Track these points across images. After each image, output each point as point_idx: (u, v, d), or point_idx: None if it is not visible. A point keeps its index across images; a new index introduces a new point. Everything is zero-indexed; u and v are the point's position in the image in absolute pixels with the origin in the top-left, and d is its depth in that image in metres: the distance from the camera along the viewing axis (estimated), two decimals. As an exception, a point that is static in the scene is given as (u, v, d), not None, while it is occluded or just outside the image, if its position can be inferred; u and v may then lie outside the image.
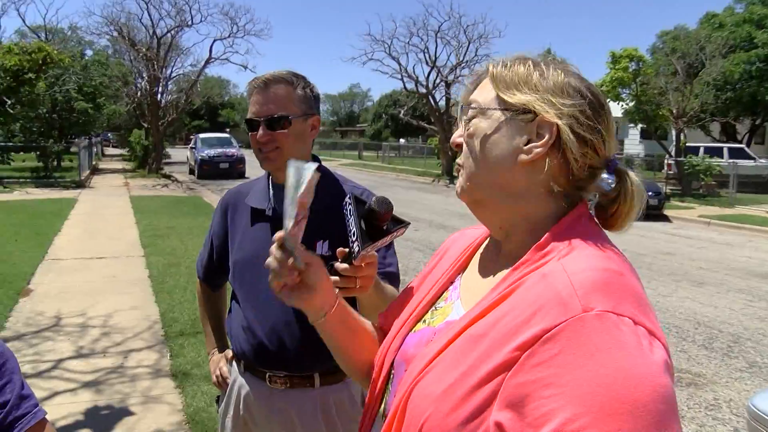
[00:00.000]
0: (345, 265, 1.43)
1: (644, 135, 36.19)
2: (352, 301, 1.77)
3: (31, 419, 1.35)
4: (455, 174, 1.15)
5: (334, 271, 1.45)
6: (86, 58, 41.04)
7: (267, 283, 1.46)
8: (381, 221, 1.43)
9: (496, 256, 1.14)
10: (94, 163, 33.00)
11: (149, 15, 30.34)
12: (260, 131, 2.01)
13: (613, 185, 1.08)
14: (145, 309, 6.88)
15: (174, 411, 4.42)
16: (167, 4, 33.01)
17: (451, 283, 1.23)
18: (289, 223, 1.19)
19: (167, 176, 27.74)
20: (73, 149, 34.99)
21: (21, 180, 23.29)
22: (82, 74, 34.41)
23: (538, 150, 1.02)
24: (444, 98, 30.79)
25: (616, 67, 26.65)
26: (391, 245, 2.04)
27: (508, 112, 1.05)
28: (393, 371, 1.18)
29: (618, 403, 0.79)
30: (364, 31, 47.41)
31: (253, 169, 28.62)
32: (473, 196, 1.11)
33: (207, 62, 31.61)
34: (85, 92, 34.62)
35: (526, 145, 1.04)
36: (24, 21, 34.88)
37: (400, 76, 31.34)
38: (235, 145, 30.19)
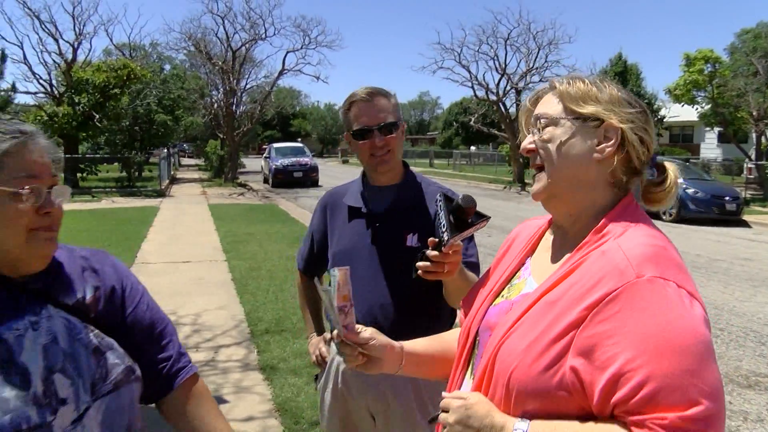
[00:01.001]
0: (435, 252, 1.72)
1: (722, 138, 35.17)
2: (439, 287, 2.04)
3: (188, 371, 1.62)
4: (528, 181, 1.40)
5: (426, 258, 1.75)
6: (165, 72, 42.68)
7: (362, 270, 1.75)
8: (466, 215, 1.72)
9: (562, 240, 1.39)
10: (172, 173, 34.19)
11: (225, 29, 31.34)
12: (376, 137, 2.29)
13: (655, 174, 1.37)
14: (231, 309, 7.26)
15: (264, 400, 4.73)
16: (242, 18, 33.90)
17: (522, 264, 1.48)
18: (340, 328, 1.55)
19: (243, 185, 28.55)
20: (153, 160, 36.36)
21: (107, 189, 24.42)
22: (161, 88, 35.84)
23: (609, 149, 1.29)
24: (514, 105, 30.67)
25: (691, 69, 26.07)
26: (472, 239, 2.31)
27: (579, 121, 1.31)
28: (478, 339, 1.43)
29: (667, 346, 1.07)
30: (434, 40, 47.54)
31: (326, 177, 29.16)
32: (552, 191, 1.35)
33: (280, 74, 32.38)
34: (165, 105, 36.02)
35: (598, 145, 1.30)
36: (111, 40, 36.34)
37: (470, 84, 31.38)
38: (308, 154, 30.71)
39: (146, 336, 1.55)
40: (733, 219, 16.66)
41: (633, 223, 1.26)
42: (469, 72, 31.21)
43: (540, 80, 32.61)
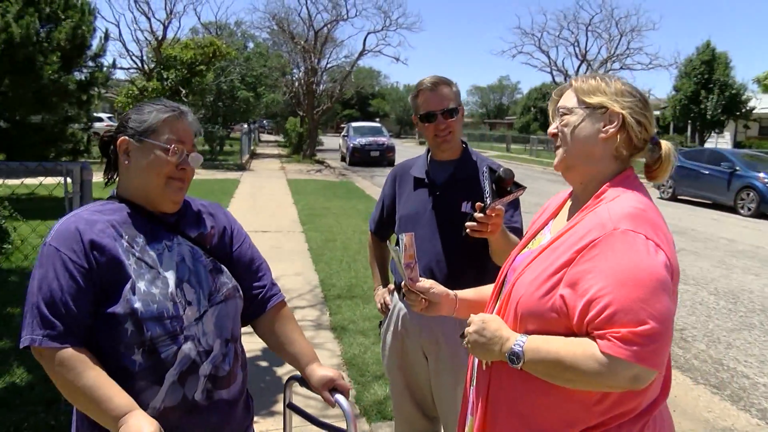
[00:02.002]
0: (481, 214, 2.20)
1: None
2: (485, 247, 2.40)
3: (278, 298, 2.06)
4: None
5: (473, 219, 2.23)
6: (248, 50, 43.68)
7: (423, 231, 2.21)
8: (506, 184, 2.20)
9: (575, 205, 1.77)
10: (252, 148, 35.19)
11: (307, 9, 32.05)
12: (440, 121, 2.70)
13: (655, 151, 1.73)
14: (306, 275, 7.75)
15: (333, 356, 5.17)
16: (324, -1, 34.47)
17: (546, 225, 1.89)
18: (407, 280, 2.02)
19: (320, 162, 29.23)
20: (234, 135, 37.49)
21: (191, 162, 25.39)
22: (244, 65, 36.72)
23: (612, 130, 1.66)
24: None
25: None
26: (518, 209, 2.75)
27: (589, 109, 1.69)
28: (506, 278, 1.83)
29: (627, 280, 1.43)
30: (514, 24, 47.30)
31: (402, 158, 29.34)
32: (567, 163, 1.73)
33: (360, 54, 32.89)
34: (247, 82, 36.91)
35: (603, 128, 1.67)
36: (199, 19, 37.75)
37: (549, 70, 31.23)
38: (385, 134, 30.96)
39: (246, 268, 2.00)
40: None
41: (626, 191, 1.62)
42: (549, 57, 31.18)
43: (621, 68, 32.04)
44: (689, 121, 34.66)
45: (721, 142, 36.83)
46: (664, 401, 1.65)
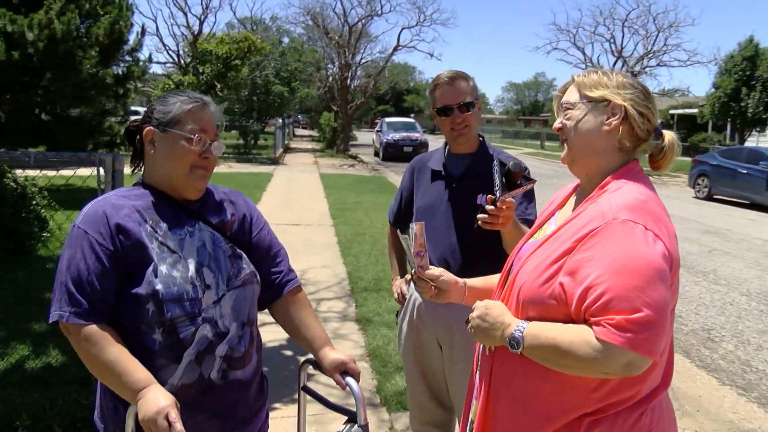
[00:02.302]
0: (492, 207, 2.27)
1: None
2: (498, 239, 2.45)
3: (294, 283, 2.13)
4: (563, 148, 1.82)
5: (484, 211, 2.30)
6: (283, 45, 44.04)
7: (439, 222, 2.27)
8: (515, 178, 2.27)
9: (580, 197, 1.81)
10: (286, 142, 35.45)
11: (342, 5, 32.22)
12: (455, 114, 2.76)
13: (660, 142, 1.75)
14: (334, 268, 7.84)
15: (357, 346, 5.25)
16: (359, -6, 34.56)
17: (552, 216, 1.92)
18: (416, 268, 2.07)
19: (353, 157, 29.35)
20: (268, 129, 37.80)
21: (224, 155, 25.70)
22: (279, 60, 37.08)
23: (615, 123, 1.69)
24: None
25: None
26: (532, 201, 2.79)
27: (591, 103, 1.72)
28: (512, 267, 1.88)
29: (624, 269, 1.46)
30: (549, 20, 46.89)
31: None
32: (572, 156, 1.77)
33: (395, 50, 32.97)
34: (282, 77, 37.25)
35: (606, 120, 1.70)
36: (234, 14, 38.17)
37: (584, 66, 30.85)
38: (419, 130, 30.94)
39: (265, 254, 2.08)
40: None
41: (628, 182, 1.65)
42: (584, 54, 30.80)
43: (657, 64, 31.54)
44: (729, 120, 34.00)
45: (762, 140, 36.02)
46: (665, 391, 1.69)
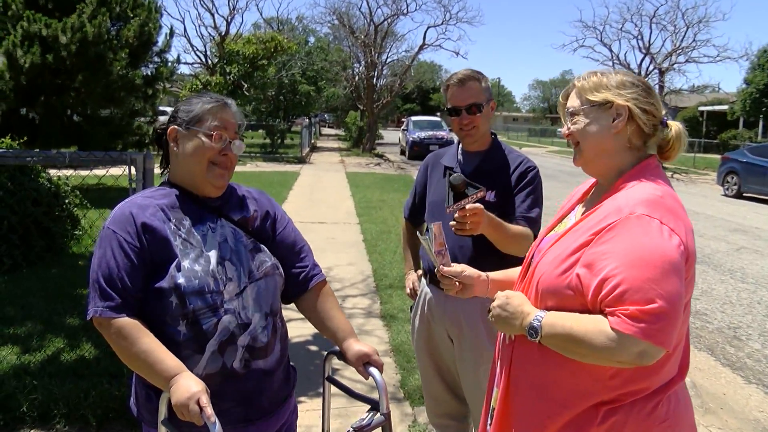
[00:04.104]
0: (456, 215, 2.41)
1: None
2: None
3: (320, 278, 2.21)
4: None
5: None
6: (309, 45, 44.25)
7: (448, 217, 2.39)
8: (460, 189, 2.39)
9: (598, 193, 1.87)
10: (312, 141, 35.62)
11: (368, 4, 32.43)
12: (463, 116, 2.83)
13: (667, 132, 1.80)
14: (359, 266, 7.92)
15: (382, 342, 5.32)
16: (385, -7, 34.63)
17: (573, 209, 1.96)
18: (439, 266, 2.16)
19: (380, 156, 29.41)
20: (295, 128, 38.00)
21: (252, 154, 25.98)
22: (305, 60, 37.25)
23: (621, 123, 1.74)
24: (657, 86, 29.61)
25: None
26: (536, 199, 2.84)
27: (595, 107, 1.77)
28: (532, 259, 1.93)
29: (640, 261, 1.52)
30: (576, 17, 46.58)
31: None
32: (585, 160, 1.83)
33: (421, 48, 32.94)
34: (308, 76, 37.43)
35: (612, 122, 1.75)
36: (261, 14, 38.47)
37: (611, 63, 30.59)
38: (445, 128, 30.69)
39: (290, 250, 2.16)
40: None
41: (644, 180, 1.70)
42: (611, 51, 30.55)
43: (686, 61, 31.17)
44: (761, 116, 33.48)
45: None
46: (681, 381, 1.72)
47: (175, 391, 1.70)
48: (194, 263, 1.86)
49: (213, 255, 1.91)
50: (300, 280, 2.16)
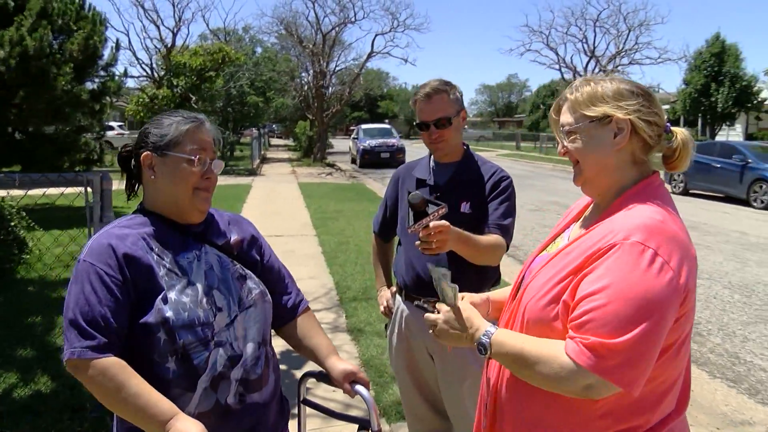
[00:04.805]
0: (421, 234, 2.33)
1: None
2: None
3: (305, 304, 2.14)
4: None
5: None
6: (257, 55, 43.90)
7: (416, 236, 2.30)
8: (419, 207, 2.32)
9: (595, 212, 1.73)
10: (262, 152, 35.32)
11: (315, 13, 32.18)
12: (432, 130, 2.78)
13: (671, 139, 1.65)
14: (321, 279, 7.79)
15: (351, 357, 5.22)
16: (331, 1, 34.76)
17: (567, 228, 1.84)
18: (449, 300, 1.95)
19: (331, 165, 29.29)
20: (244, 140, 37.64)
21: (202, 168, 25.48)
22: (253, 70, 36.92)
23: (624, 141, 1.59)
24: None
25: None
26: (510, 209, 2.78)
27: (593, 123, 1.61)
28: (523, 279, 1.82)
29: (619, 294, 1.40)
30: (522, 22, 47.32)
31: (411, 158, 29.47)
32: (584, 178, 1.67)
33: (369, 56, 33.00)
34: (256, 87, 37.11)
35: (614, 138, 1.59)
36: (207, 25, 38.03)
37: (558, 67, 31.21)
38: (395, 136, 30.89)
39: (276, 278, 2.08)
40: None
41: (645, 201, 1.55)
42: (557, 54, 31.20)
43: (629, 62, 31.98)
44: (700, 115, 34.51)
45: (732, 134, 36.65)
46: (678, 418, 1.63)
47: None
48: (181, 294, 1.74)
49: (200, 284, 1.80)
50: (289, 309, 2.09)
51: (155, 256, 1.77)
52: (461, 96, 2.87)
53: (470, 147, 2.98)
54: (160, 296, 1.71)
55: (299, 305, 2.11)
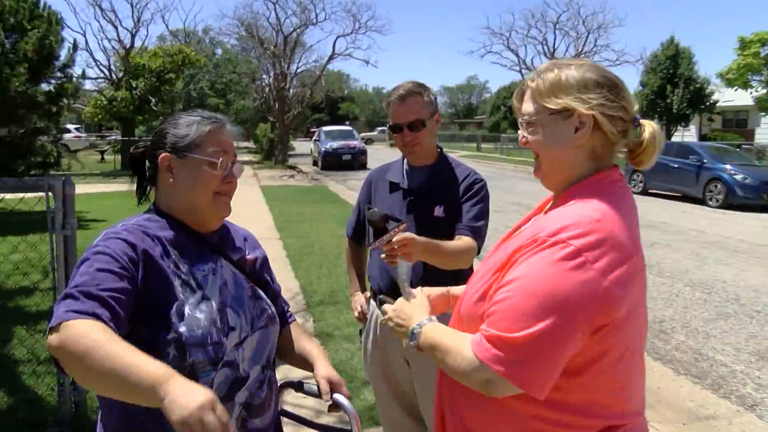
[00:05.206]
0: (384, 248, 2.26)
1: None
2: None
3: (293, 317, 2.07)
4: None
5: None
6: (217, 57, 43.50)
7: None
8: (379, 225, 2.25)
9: (554, 206, 1.62)
10: (224, 155, 34.86)
11: (276, 14, 31.98)
12: (405, 133, 2.74)
13: (639, 132, 1.55)
14: (286, 283, 7.65)
15: (321, 362, 5.13)
16: (293, 3, 34.55)
17: (528, 221, 1.74)
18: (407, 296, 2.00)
19: (293, 167, 29.11)
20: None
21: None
22: (214, 72, 36.61)
23: (584, 137, 1.49)
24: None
25: (745, 52, 25.56)
26: (483, 211, 2.78)
27: (553, 116, 1.51)
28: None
29: (527, 290, 1.35)
30: (483, 24, 47.75)
31: (373, 160, 29.49)
32: (543, 172, 1.60)
33: (330, 58, 32.94)
34: (217, 89, 36.80)
35: (575, 132, 1.49)
36: (167, 26, 37.54)
37: (518, 68, 31.49)
38: (357, 138, 30.91)
39: (277, 296, 1.99)
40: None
41: (587, 197, 1.46)
42: (518, 56, 31.48)
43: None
44: (656, 116, 35.14)
45: (687, 135, 37.42)
46: (632, 422, 1.52)
47: (176, 400, 1.20)
48: (195, 309, 1.61)
49: (214, 301, 1.66)
50: (281, 318, 1.99)
51: (171, 264, 1.63)
52: (435, 98, 2.84)
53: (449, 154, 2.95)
54: (174, 308, 1.57)
55: (288, 317, 2.05)
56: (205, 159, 1.69)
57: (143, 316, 1.53)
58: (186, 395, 1.21)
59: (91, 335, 1.30)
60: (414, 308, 1.71)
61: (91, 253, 1.54)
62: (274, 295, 1.97)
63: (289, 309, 2.09)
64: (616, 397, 1.47)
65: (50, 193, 3.25)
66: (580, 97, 1.46)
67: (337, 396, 1.80)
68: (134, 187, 1.85)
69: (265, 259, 1.98)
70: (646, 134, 1.53)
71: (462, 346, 1.42)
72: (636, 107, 1.55)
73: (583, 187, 1.49)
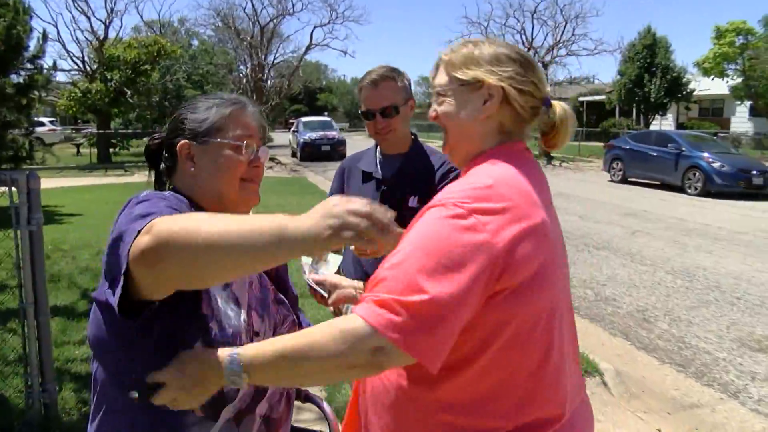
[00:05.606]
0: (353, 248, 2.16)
1: (753, 112, 34.53)
2: None
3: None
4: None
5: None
6: (193, 48, 43.08)
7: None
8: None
9: None
10: (202, 147, 34.65)
11: (252, 5, 31.77)
12: (378, 120, 2.62)
13: (549, 115, 1.53)
14: (265, 275, 7.56)
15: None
16: (269, -7, 34.15)
17: None
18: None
19: (271, 158, 28.86)
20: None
21: (139, 164, 24.90)
22: (190, 64, 36.24)
23: (492, 107, 1.47)
24: (541, 78, 30.77)
25: (721, 42, 25.75)
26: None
27: (463, 87, 1.49)
28: None
29: (421, 249, 1.25)
30: (461, 13, 47.70)
31: (353, 150, 29.36)
32: (450, 146, 1.56)
33: (308, 49, 32.76)
34: (193, 80, 36.41)
35: (483, 104, 1.47)
36: (141, 17, 37.11)
37: (497, 57, 31.52)
38: (335, 128, 30.70)
39: (296, 302, 1.83)
40: (760, 193, 16.36)
41: (487, 164, 1.44)
42: (496, 45, 31.29)
43: (567, 54, 32.58)
44: (634, 105, 35.39)
45: (664, 123, 37.75)
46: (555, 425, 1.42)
47: (320, 211, 1.12)
48: (227, 306, 1.47)
49: (243, 300, 1.52)
50: None
51: None
52: (410, 84, 2.73)
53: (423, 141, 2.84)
54: (204, 300, 1.42)
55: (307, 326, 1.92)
56: (229, 143, 1.56)
57: (172, 299, 1.31)
58: (315, 211, 1.13)
59: (192, 215, 1.26)
60: (202, 353, 1.33)
61: (149, 201, 1.37)
62: (294, 301, 1.81)
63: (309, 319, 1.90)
64: (421, 357, 1.24)
65: (14, 188, 3.11)
66: (491, 69, 1.46)
67: (317, 400, 1.81)
68: (119, 180, 1.70)
69: (286, 264, 1.77)
70: (557, 115, 1.52)
71: (327, 328, 1.22)
72: (548, 89, 1.54)
73: (485, 157, 1.47)
